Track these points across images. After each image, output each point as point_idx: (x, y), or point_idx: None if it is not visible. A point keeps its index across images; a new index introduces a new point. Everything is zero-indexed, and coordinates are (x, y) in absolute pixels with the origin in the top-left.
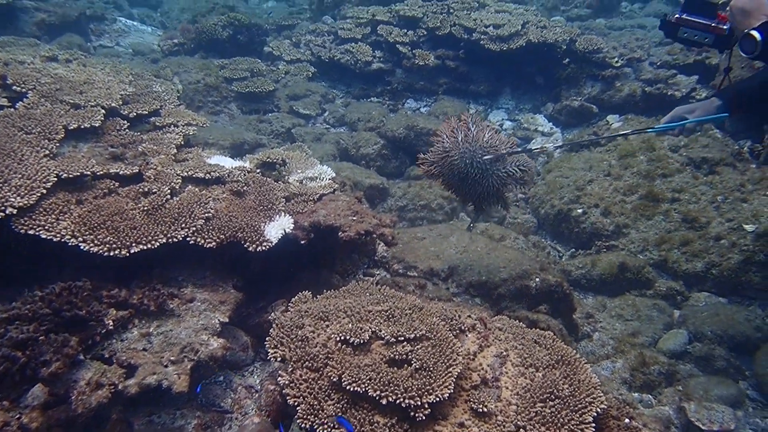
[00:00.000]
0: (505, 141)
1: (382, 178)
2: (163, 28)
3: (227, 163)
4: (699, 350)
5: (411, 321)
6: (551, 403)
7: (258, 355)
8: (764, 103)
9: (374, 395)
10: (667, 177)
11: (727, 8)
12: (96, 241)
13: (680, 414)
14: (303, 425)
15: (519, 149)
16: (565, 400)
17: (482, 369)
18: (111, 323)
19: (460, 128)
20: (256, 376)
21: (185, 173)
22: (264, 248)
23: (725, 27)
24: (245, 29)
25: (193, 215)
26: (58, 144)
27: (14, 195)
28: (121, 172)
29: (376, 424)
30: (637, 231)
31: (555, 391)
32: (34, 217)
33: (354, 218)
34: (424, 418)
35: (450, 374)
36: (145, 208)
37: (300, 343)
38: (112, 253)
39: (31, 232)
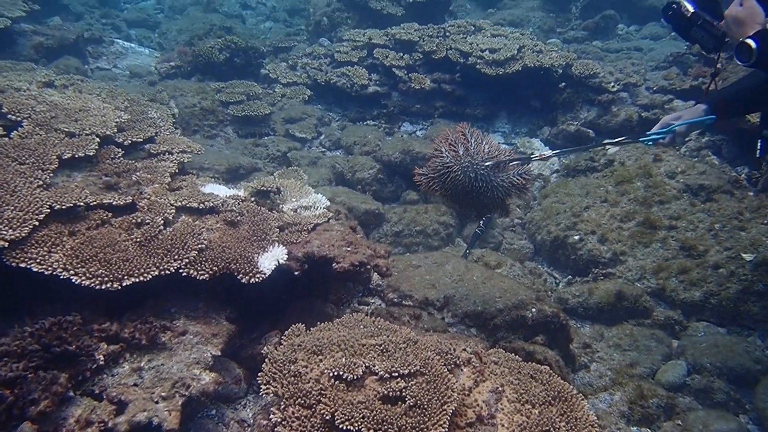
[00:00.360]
0: (505, 151)
1: (377, 203)
2: (160, 50)
3: (221, 191)
4: (698, 383)
5: (405, 356)
6: None
7: (251, 387)
8: (749, 108)
9: None
10: (664, 204)
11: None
12: (88, 274)
13: None
14: None
15: (518, 157)
16: None
17: (477, 405)
18: (102, 358)
19: (459, 141)
20: (248, 410)
21: (179, 203)
22: (257, 280)
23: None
24: (242, 52)
25: (186, 246)
26: (51, 174)
27: (6, 228)
28: (114, 203)
29: None
30: (634, 258)
31: (551, 429)
32: (25, 249)
33: (348, 249)
34: None
35: (444, 412)
36: (138, 240)
37: (293, 378)
38: (104, 287)
39: (22, 265)
